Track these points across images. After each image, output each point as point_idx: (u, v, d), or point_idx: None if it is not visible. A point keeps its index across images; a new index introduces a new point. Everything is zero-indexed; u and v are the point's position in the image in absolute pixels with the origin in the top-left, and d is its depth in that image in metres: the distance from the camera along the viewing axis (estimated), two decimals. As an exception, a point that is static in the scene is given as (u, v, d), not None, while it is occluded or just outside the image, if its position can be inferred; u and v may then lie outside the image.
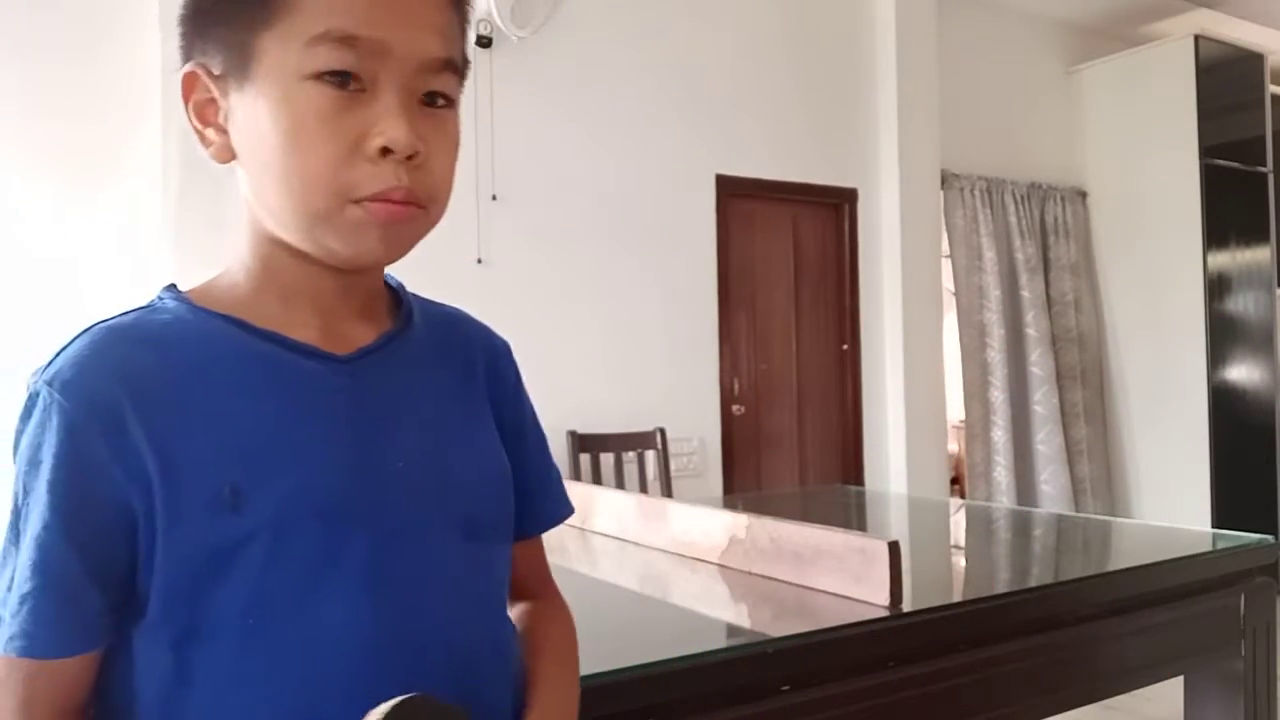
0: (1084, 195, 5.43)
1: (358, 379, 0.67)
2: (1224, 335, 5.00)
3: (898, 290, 4.59)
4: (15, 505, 0.60)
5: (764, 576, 1.44)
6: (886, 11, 4.61)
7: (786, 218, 4.49)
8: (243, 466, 0.61)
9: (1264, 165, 5.17)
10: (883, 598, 1.25)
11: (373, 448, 0.66)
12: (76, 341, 0.63)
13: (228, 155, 0.66)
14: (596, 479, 3.66)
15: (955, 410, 5.01)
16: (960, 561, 1.84)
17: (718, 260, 4.20)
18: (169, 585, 0.60)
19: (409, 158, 0.62)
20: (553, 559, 0.88)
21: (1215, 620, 1.60)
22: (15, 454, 0.62)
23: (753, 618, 1.37)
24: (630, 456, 3.84)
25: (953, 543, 2.05)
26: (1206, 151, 4.94)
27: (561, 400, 3.69)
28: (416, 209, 0.65)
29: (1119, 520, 2.31)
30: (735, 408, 4.27)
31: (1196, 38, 4.96)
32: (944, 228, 4.85)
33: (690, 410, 4.10)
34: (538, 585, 0.85)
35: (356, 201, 0.62)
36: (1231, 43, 5.14)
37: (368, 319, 0.71)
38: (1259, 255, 5.17)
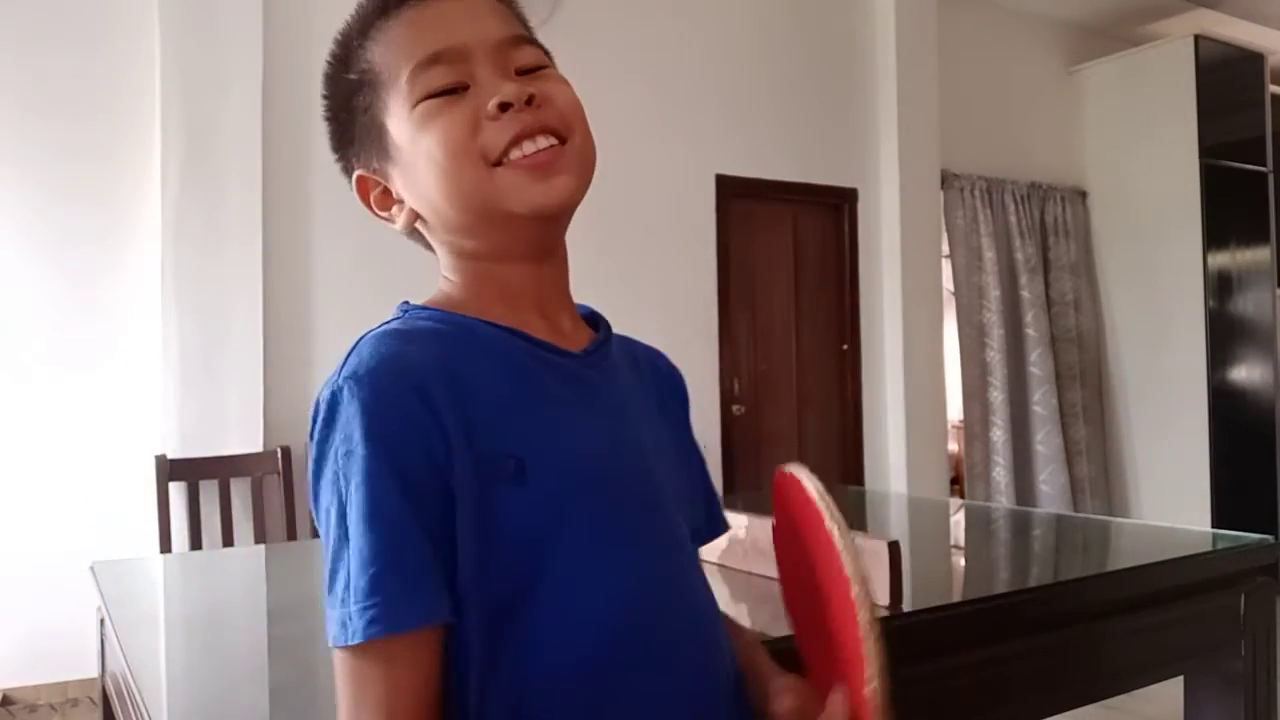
0: (1084, 195, 5.43)
1: (594, 371, 0.75)
2: (1224, 335, 5.00)
3: (898, 290, 4.59)
4: (340, 508, 0.61)
5: (764, 576, 1.43)
6: (886, 12, 4.61)
7: (786, 218, 4.48)
8: (521, 442, 0.65)
9: (1264, 165, 5.18)
10: (883, 598, 1.25)
11: (620, 427, 0.74)
12: (359, 348, 0.65)
13: (413, 218, 0.74)
14: (596, 479, 3.65)
15: (955, 410, 5.01)
16: (960, 561, 1.84)
17: (718, 260, 4.20)
18: (478, 559, 0.62)
19: (527, 103, 0.70)
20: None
21: (1215, 620, 1.60)
22: (322, 464, 0.63)
23: (753, 618, 1.37)
24: (630, 456, 3.83)
25: (953, 543, 2.05)
26: (1206, 151, 4.94)
27: (561, 400, 3.67)
28: (556, 145, 0.71)
29: (1118, 520, 2.31)
30: (735, 408, 4.27)
31: (1196, 38, 4.96)
32: (944, 228, 4.85)
33: (690, 410, 4.09)
34: None
35: (499, 164, 0.69)
36: (1231, 43, 5.14)
37: (577, 325, 0.78)
38: (1259, 255, 5.17)
